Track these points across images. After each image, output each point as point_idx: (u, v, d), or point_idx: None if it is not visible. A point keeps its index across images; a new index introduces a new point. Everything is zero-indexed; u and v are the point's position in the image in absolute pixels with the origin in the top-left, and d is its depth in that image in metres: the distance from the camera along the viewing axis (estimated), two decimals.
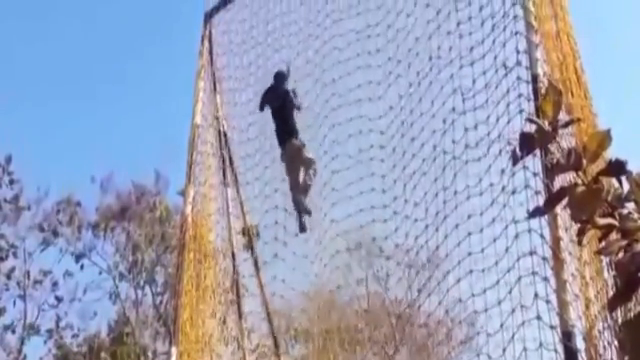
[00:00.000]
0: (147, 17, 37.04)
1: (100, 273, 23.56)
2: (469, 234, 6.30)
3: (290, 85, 9.32)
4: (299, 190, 9.11)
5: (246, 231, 9.82)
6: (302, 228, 9.07)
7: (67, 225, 23.51)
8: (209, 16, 10.05)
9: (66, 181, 30.67)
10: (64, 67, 34.04)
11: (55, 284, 22.85)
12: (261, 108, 9.45)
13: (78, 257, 23.42)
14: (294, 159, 9.19)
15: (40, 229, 23.32)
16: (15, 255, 22.46)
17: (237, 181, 9.85)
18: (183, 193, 9.74)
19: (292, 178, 9.20)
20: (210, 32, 10.02)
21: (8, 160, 22.10)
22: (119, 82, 34.90)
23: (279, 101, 9.28)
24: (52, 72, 34.35)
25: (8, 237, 22.54)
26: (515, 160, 2.68)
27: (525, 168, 5.38)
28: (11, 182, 22.29)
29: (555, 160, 2.69)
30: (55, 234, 23.38)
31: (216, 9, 10.00)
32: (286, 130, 9.20)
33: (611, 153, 2.52)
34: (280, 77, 9.36)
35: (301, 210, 9.08)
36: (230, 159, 9.88)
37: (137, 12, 36.89)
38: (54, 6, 35.64)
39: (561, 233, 5.36)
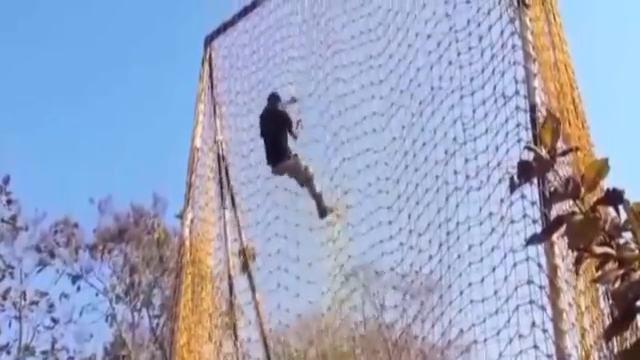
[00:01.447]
0: (147, 40, 37.34)
1: (97, 295, 23.52)
2: (470, 264, 6.34)
3: (294, 115, 9.33)
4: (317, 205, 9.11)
5: (243, 253, 9.81)
6: (323, 213, 9.02)
7: (64, 246, 23.51)
8: (210, 40, 10.13)
9: (64, 202, 30.74)
10: (63, 87, 34.23)
11: (51, 305, 22.78)
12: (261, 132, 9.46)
13: (75, 278, 23.37)
14: (291, 174, 9.19)
15: (37, 250, 23.30)
16: (12, 275, 22.41)
17: (235, 205, 9.85)
18: (181, 216, 9.74)
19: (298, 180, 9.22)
20: (210, 55, 10.09)
21: (6, 180, 22.15)
22: (118, 104, 35.10)
23: (274, 122, 9.26)
24: (52, 92, 34.53)
25: (5, 257, 22.52)
26: (513, 188, 2.71)
27: (523, 197, 5.43)
28: (9, 202, 22.31)
29: (553, 188, 2.72)
30: (52, 255, 23.37)
31: (217, 33, 10.07)
32: (278, 151, 9.14)
33: (608, 182, 2.55)
34: (273, 99, 9.37)
35: (320, 201, 9.05)
36: (229, 183, 9.90)
37: (137, 34, 37.18)
38: (55, 36, 35.90)
39: (558, 262, 5.38)
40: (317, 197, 9.05)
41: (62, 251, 23.46)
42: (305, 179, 9.11)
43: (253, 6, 9.64)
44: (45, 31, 36.25)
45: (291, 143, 9.20)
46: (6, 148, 26.32)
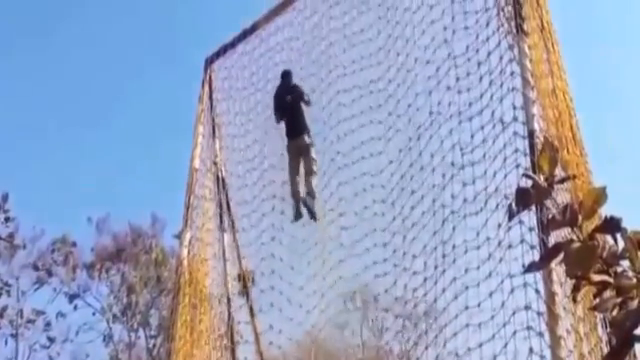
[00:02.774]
0: (146, 59, 37.50)
1: (94, 314, 23.43)
2: (466, 288, 6.32)
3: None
4: (299, 189, 9.23)
5: (242, 277, 9.79)
6: (297, 216, 9.17)
7: (62, 265, 23.44)
8: (210, 62, 10.20)
9: (62, 221, 30.68)
10: (64, 106, 34.32)
11: (48, 324, 22.68)
12: (275, 111, 9.56)
13: (72, 297, 23.29)
14: (300, 153, 9.34)
15: (34, 268, 23.23)
16: (8, 293, 22.33)
17: (234, 227, 9.85)
18: (179, 236, 9.73)
19: (292, 168, 9.34)
20: (210, 77, 10.15)
21: (5, 198, 22.12)
22: (118, 124, 35.18)
23: (289, 97, 9.43)
24: (52, 112, 34.61)
25: (2, 275, 22.45)
26: (511, 215, 2.73)
27: (521, 223, 5.43)
28: (7, 220, 22.26)
29: (551, 216, 2.73)
30: (49, 273, 23.30)
31: (217, 55, 10.15)
32: (297, 126, 9.37)
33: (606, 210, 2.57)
34: (287, 75, 9.54)
35: (298, 200, 9.18)
36: (227, 204, 9.90)
37: (137, 54, 37.34)
38: (53, 57, 36.04)
39: (556, 288, 5.38)
40: (312, 194, 9.15)
41: (59, 270, 23.40)
42: (307, 168, 9.25)
43: (253, 29, 9.72)
44: (44, 54, 36.42)
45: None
46: (5, 165, 26.36)
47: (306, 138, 9.32)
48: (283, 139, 9.50)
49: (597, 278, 2.48)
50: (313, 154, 9.32)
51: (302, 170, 9.35)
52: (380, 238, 7.91)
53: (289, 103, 9.43)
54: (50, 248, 23.44)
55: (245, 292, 9.78)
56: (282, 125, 9.57)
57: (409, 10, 7.81)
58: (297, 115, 9.40)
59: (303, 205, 9.20)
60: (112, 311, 23.34)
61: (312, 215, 9.20)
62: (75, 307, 23.20)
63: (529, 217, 5.40)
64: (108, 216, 24.20)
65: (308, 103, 9.38)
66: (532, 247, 5.53)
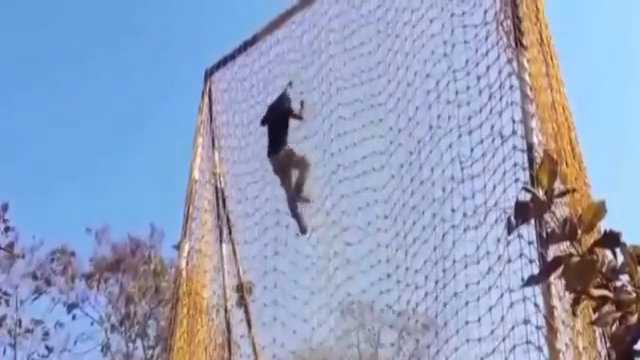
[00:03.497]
0: (146, 71, 37.60)
1: (92, 324, 23.41)
2: (467, 303, 6.32)
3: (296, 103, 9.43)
4: (295, 195, 9.16)
5: (239, 288, 9.77)
6: (303, 230, 9.08)
7: (61, 274, 23.44)
8: (209, 73, 10.23)
9: (61, 230, 30.66)
10: (62, 115, 34.37)
11: (46, 334, 22.67)
12: (262, 122, 9.59)
13: (70, 307, 23.28)
14: (286, 166, 9.26)
15: (33, 277, 23.23)
16: (7, 303, 22.32)
17: (232, 238, 9.84)
18: (178, 247, 9.72)
19: (287, 186, 9.25)
20: (210, 89, 10.17)
21: (4, 207, 22.14)
22: (117, 133, 35.22)
23: (277, 114, 9.42)
24: (51, 120, 34.66)
25: (1, 284, 22.44)
26: (510, 229, 2.73)
27: (520, 237, 5.43)
28: (6, 229, 22.27)
29: (550, 230, 2.73)
30: (48, 283, 23.31)
31: (216, 67, 10.18)
32: (277, 143, 9.29)
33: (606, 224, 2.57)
34: (283, 98, 9.52)
35: (299, 217, 9.10)
36: (227, 216, 9.89)
37: (137, 68, 37.44)
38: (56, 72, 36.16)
39: (555, 302, 5.37)
40: (295, 209, 9.10)
41: (58, 279, 23.39)
42: (295, 167, 9.18)
43: (253, 41, 9.76)
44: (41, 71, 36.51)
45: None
46: (5, 175, 26.38)
47: (288, 146, 9.24)
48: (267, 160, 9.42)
49: (596, 293, 2.48)
50: (297, 155, 9.21)
51: (294, 180, 9.27)
52: (383, 254, 7.90)
53: (275, 120, 9.41)
54: (49, 258, 23.45)
55: (243, 303, 9.76)
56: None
57: (409, 24, 7.84)
58: (281, 132, 9.33)
59: (297, 206, 9.15)
60: (110, 321, 23.32)
61: (305, 200, 9.12)
62: (73, 317, 23.20)
63: (528, 231, 5.40)
64: (107, 227, 24.22)
65: (300, 117, 9.32)
66: (531, 261, 5.53)
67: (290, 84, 9.53)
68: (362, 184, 8.34)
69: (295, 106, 9.39)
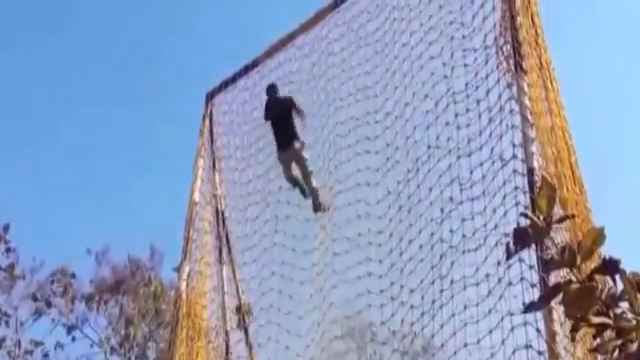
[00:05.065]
0: (147, 91, 37.77)
1: (91, 346, 23.30)
2: (465, 324, 6.27)
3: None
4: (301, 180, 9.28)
5: (239, 309, 9.73)
6: (316, 208, 9.13)
7: (61, 296, 23.37)
8: (210, 96, 10.29)
9: (62, 252, 30.63)
10: (65, 140, 34.47)
11: (46, 355, 22.56)
12: (266, 118, 9.62)
13: (70, 329, 23.18)
14: (293, 161, 9.33)
15: (33, 299, 23.16)
16: (7, 324, 22.23)
17: (232, 259, 9.82)
18: (178, 269, 9.70)
19: (288, 174, 9.34)
20: (211, 111, 10.22)
21: (6, 228, 22.13)
22: (117, 157, 35.31)
23: (280, 108, 9.43)
24: (52, 143, 34.77)
25: (1, 305, 22.37)
26: (509, 255, 2.71)
27: (521, 261, 5.40)
28: (7, 250, 22.25)
29: (549, 256, 2.71)
30: (48, 304, 23.22)
31: (217, 90, 10.25)
32: (286, 135, 9.33)
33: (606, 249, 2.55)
34: (271, 89, 9.54)
35: (316, 195, 9.18)
36: (227, 238, 9.88)
37: (136, 90, 37.63)
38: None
39: (556, 327, 5.34)
40: (314, 191, 9.18)
41: (58, 301, 23.32)
42: (304, 173, 9.27)
43: (254, 65, 9.82)
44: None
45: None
46: (7, 196, 26.40)
47: (295, 144, 9.28)
48: (274, 152, 9.52)
49: (596, 320, 2.45)
50: (305, 155, 9.29)
51: (299, 175, 9.36)
52: (377, 269, 7.87)
53: (278, 115, 9.44)
54: (49, 279, 23.40)
55: (243, 325, 9.72)
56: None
57: (407, 46, 7.87)
58: (286, 125, 9.38)
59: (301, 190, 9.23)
60: (110, 343, 23.21)
61: (323, 209, 9.15)
62: (73, 338, 23.12)
63: (529, 255, 5.37)
64: (107, 248, 24.21)
65: (300, 112, 9.35)
66: (532, 285, 5.50)
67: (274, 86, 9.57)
68: (354, 197, 8.34)
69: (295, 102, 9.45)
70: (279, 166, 9.47)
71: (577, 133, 6.52)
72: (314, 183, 9.19)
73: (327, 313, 8.40)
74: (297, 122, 9.40)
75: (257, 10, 38.16)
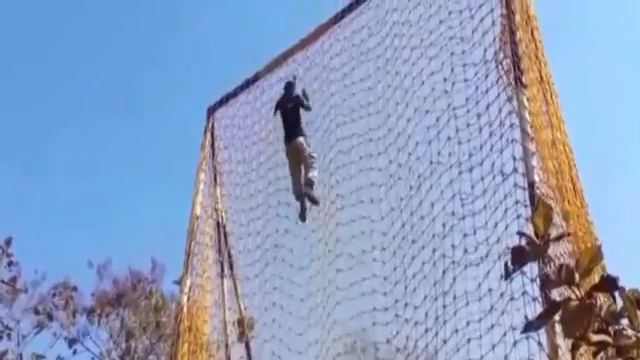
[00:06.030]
0: (148, 105, 37.86)
1: (93, 359, 23.21)
2: (469, 340, 6.25)
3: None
4: (301, 184, 9.38)
5: (240, 322, 9.72)
6: (303, 218, 9.28)
7: (62, 309, 23.34)
8: (212, 110, 10.32)
9: (64, 265, 30.63)
10: (65, 151, 34.53)
11: None
12: (275, 112, 9.79)
13: (71, 342, 23.15)
14: (296, 155, 9.48)
15: (35, 312, 23.14)
16: (9, 337, 22.19)
17: (234, 274, 9.81)
18: (179, 282, 9.69)
19: (294, 173, 9.47)
20: (213, 125, 10.24)
21: (8, 242, 22.12)
22: (118, 169, 35.33)
23: (290, 104, 9.62)
24: (54, 156, 34.81)
25: (3, 319, 22.33)
26: (508, 273, 2.71)
27: (522, 274, 5.40)
28: (10, 264, 22.22)
29: (548, 275, 2.72)
30: (50, 318, 23.19)
31: (219, 104, 10.27)
32: (293, 130, 9.53)
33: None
34: (289, 86, 9.71)
35: (303, 201, 9.33)
36: (228, 252, 9.87)
37: (137, 104, 37.72)
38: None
39: (559, 341, 5.32)
40: (310, 182, 9.32)
41: (60, 314, 23.30)
42: (305, 164, 9.40)
43: (255, 79, 9.85)
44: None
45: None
46: (9, 210, 26.43)
47: (300, 139, 9.46)
48: (282, 146, 9.65)
49: (596, 338, 2.45)
50: (308, 150, 9.44)
51: (303, 171, 9.49)
52: (381, 286, 7.85)
53: (289, 110, 9.61)
54: (51, 292, 23.40)
55: (244, 339, 9.70)
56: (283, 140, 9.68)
57: (408, 62, 7.89)
58: (294, 121, 9.55)
59: (305, 198, 9.32)
60: (111, 356, 23.16)
61: (314, 201, 9.30)
62: (74, 352, 23.08)
63: (530, 269, 5.37)
64: (109, 261, 24.19)
65: (308, 108, 9.57)
66: (534, 299, 5.49)
67: (294, 77, 9.70)
68: (359, 213, 8.34)
69: (301, 97, 9.60)
70: (286, 175, 9.54)
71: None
72: (313, 174, 9.32)
73: (331, 330, 8.37)
74: (304, 118, 9.59)
75: (258, 19, 38.25)
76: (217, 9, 39.84)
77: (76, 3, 37.74)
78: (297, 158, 9.49)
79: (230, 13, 40.02)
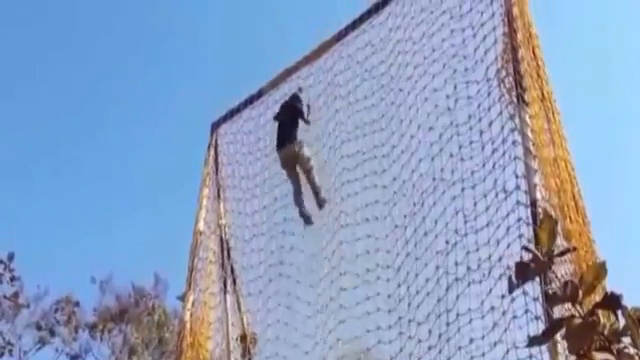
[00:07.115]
0: (151, 119, 37.98)
1: None
2: (472, 358, 6.25)
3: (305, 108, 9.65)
4: (302, 192, 9.43)
5: (244, 338, 9.69)
6: (309, 222, 9.31)
7: (64, 325, 23.28)
8: (216, 126, 10.35)
9: (66, 280, 30.59)
10: (67, 165, 34.59)
11: None
12: (275, 118, 9.83)
13: (73, 358, 23.09)
14: (291, 162, 9.47)
15: (37, 327, 23.08)
16: (11, 353, 22.10)
17: (237, 290, 9.79)
18: (182, 298, 9.68)
19: (294, 182, 9.49)
20: (216, 141, 10.27)
21: (10, 257, 22.10)
22: (121, 185, 35.38)
23: (289, 113, 9.66)
24: (57, 170, 34.88)
25: (5, 334, 22.26)
26: (511, 288, 2.73)
27: (525, 293, 5.41)
28: (12, 279, 22.19)
29: (552, 292, 2.73)
30: (52, 333, 23.13)
31: (223, 119, 10.31)
32: (286, 136, 9.54)
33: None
34: (294, 96, 9.75)
35: (303, 208, 9.36)
36: (232, 268, 9.86)
37: (139, 119, 37.83)
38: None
39: None
40: (315, 187, 9.33)
41: (62, 329, 23.23)
42: (306, 169, 9.40)
43: (259, 95, 9.90)
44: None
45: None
46: (12, 224, 26.44)
47: (294, 145, 9.48)
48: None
49: (599, 356, 2.46)
50: (304, 152, 9.44)
51: (301, 175, 9.49)
52: (385, 304, 7.83)
53: (286, 118, 9.66)
54: (53, 308, 23.34)
55: (247, 356, 9.66)
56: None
57: (411, 79, 7.94)
58: (289, 128, 9.59)
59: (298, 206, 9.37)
60: None
61: (321, 205, 9.30)
62: None
63: (533, 287, 5.38)
64: (111, 276, 24.16)
65: (306, 122, 9.61)
66: (537, 317, 5.49)
67: (300, 89, 9.73)
68: (364, 232, 8.34)
69: (304, 109, 9.64)
70: (288, 190, 9.57)
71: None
72: (316, 180, 9.34)
73: (334, 347, 8.35)
74: (302, 129, 9.64)
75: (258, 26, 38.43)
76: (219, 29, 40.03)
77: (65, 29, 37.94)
78: (292, 164, 9.49)
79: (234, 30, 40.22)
